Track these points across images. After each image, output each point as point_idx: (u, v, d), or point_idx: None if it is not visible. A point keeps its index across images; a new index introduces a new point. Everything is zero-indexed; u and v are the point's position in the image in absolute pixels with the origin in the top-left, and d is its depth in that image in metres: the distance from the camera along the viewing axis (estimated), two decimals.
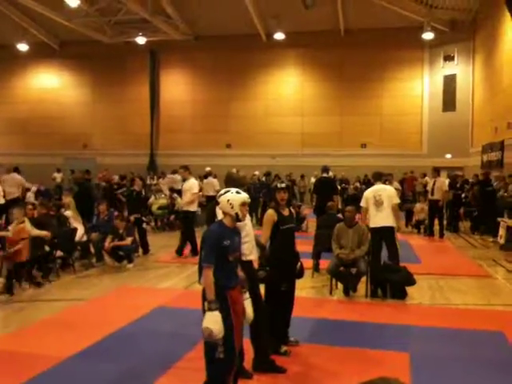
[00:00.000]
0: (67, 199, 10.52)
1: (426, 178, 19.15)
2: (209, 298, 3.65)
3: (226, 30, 24.37)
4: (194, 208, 10.51)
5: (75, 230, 9.38)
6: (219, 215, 4.16)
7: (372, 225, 8.03)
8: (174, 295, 7.61)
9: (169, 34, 24.60)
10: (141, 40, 24.66)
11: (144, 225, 11.18)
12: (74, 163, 24.17)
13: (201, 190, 14.16)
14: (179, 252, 10.46)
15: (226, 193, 3.99)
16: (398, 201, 8.30)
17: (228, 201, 3.91)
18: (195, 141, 25.63)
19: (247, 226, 4.56)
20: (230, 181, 4.78)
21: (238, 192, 3.99)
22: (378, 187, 8.26)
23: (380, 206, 7.97)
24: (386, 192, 8.14)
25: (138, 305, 6.92)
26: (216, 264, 3.72)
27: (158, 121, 26.92)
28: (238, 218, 3.92)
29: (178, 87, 26.87)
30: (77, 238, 9.40)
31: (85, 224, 10.00)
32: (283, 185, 5.24)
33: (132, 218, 10.52)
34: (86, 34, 24.67)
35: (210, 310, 3.61)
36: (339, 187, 16.21)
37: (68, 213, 9.89)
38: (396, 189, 10.63)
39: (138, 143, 26.11)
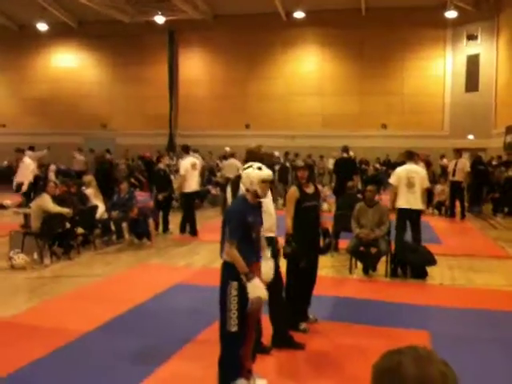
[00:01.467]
0: (88, 177, 10.61)
1: (445, 160, 18.91)
2: (243, 270, 3.63)
3: (245, 8, 24.12)
4: (188, 189, 10.34)
5: (96, 207, 9.46)
6: (242, 190, 4.08)
7: (401, 205, 7.98)
8: (193, 272, 7.66)
9: (187, 12, 24.42)
10: (160, 19, 24.54)
11: (173, 202, 11.29)
12: (94, 143, 24.30)
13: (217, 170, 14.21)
14: (182, 230, 10.56)
15: (248, 168, 3.88)
16: (428, 184, 8.31)
17: (248, 177, 3.80)
18: (214, 121, 25.57)
19: (265, 202, 4.53)
20: (251, 156, 4.73)
21: (259, 168, 3.83)
22: (412, 168, 8.19)
23: (412, 187, 7.92)
24: (419, 174, 8.10)
25: (157, 281, 6.98)
26: (240, 243, 3.69)
27: (176, 101, 26.90)
28: (257, 195, 3.80)
29: (196, 67, 26.77)
30: (97, 215, 9.48)
31: (105, 202, 10.07)
32: (302, 163, 5.35)
33: (161, 196, 10.55)
34: (105, 13, 24.61)
35: (249, 280, 3.59)
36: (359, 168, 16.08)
37: (89, 191, 9.97)
38: None
39: (157, 123, 26.15)
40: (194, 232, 10.49)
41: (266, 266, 3.94)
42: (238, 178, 4.08)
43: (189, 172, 10.32)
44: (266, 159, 4.91)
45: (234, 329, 3.67)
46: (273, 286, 4.11)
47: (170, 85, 26.56)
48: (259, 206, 3.94)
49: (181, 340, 4.85)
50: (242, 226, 3.69)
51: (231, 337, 3.70)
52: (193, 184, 10.40)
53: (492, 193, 14.91)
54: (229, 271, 3.72)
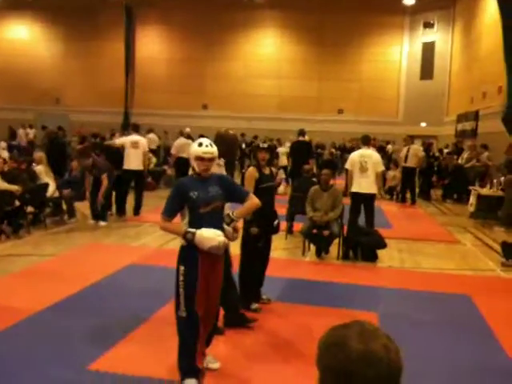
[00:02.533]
0: (39, 154, 10.30)
1: (389, 145, 19.32)
2: (180, 233, 3.57)
3: None
4: (125, 166, 10.18)
5: (46, 185, 9.22)
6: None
7: (354, 189, 8.16)
8: (147, 253, 7.60)
9: None
10: None
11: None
12: (47, 119, 23.56)
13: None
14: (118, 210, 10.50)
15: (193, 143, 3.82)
16: (382, 168, 8.48)
17: (189, 152, 3.76)
18: (171, 100, 25.23)
19: None
20: (219, 140, 4.70)
21: (200, 144, 3.67)
22: (365, 152, 8.35)
23: (365, 172, 8.10)
24: (372, 159, 8.26)
25: (110, 261, 6.90)
26: (188, 218, 3.62)
27: (133, 79, 26.37)
28: (194, 171, 3.70)
29: (154, 44, 26.28)
30: (48, 193, 9.23)
31: (57, 180, 9.83)
32: (265, 145, 5.37)
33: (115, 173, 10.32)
34: None
35: (193, 236, 3.47)
36: (315, 152, 16.24)
37: (39, 168, 9.69)
38: None
39: (113, 101, 25.57)
40: (120, 210, 10.34)
41: (213, 232, 3.56)
42: None
43: (128, 149, 10.14)
44: (236, 143, 4.94)
45: (183, 314, 3.61)
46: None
47: (127, 62, 25.99)
48: (213, 180, 3.70)
49: (134, 320, 4.83)
50: (176, 203, 3.62)
51: (181, 322, 3.63)
52: (131, 162, 10.12)
53: (441, 179, 15.37)
54: (178, 255, 3.66)
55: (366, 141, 8.58)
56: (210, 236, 3.49)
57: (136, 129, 10.90)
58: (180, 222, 3.71)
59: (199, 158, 3.63)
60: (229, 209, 4.03)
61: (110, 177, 9.49)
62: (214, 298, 3.79)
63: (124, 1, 24.66)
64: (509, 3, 12.01)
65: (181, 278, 3.59)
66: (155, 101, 25.26)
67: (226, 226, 3.70)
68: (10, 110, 25.54)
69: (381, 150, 17.28)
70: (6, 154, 12.60)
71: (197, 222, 3.56)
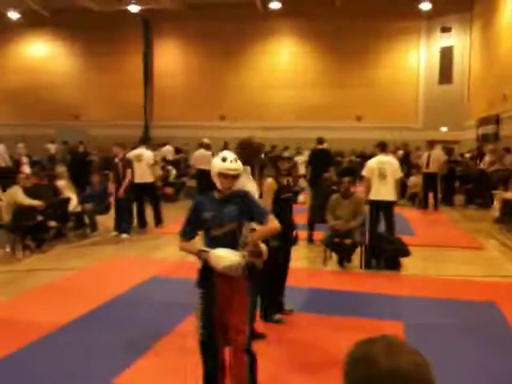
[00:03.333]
0: (60, 169, 10.44)
1: (399, 151, 18.98)
2: (195, 252, 3.41)
3: None
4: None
5: (68, 199, 9.33)
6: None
7: (373, 197, 8.06)
8: (170, 265, 7.61)
9: (162, 2, 24.14)
10: (134, 8, 24.19)
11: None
12: (67, 134, 23.93)
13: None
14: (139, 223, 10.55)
15: (215, 157, 3.50)
16: (401, 175, 8.39)
17: (211, 167, 3.45)
18: (189, 112, 25.36)
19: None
20: (242, 147, 4.60)
21: (223, 159, 3.38)
22: (383, 159, 8.25)
23: (384, 179, 8.00)
24: (391, 165, 8.16)
25: (133, 274, 6.93)
26: (203, 238, 3.45)
27: (151, 91, 26.61)
28: (216, 188, 3.42)
29: (171, 57, 26.50)
30: (70, 208, 9.36)
31: (78, 194, 9.94)
32: (287, 154, 5.37)
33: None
34: (79, 2, 24.15)
35: (207, 255, 3.28)
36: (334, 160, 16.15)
37: (61, 183, 9.81)
38: None
39: (132, 114, 25.82)
40: (140, 224, 10.44)
41: (229, 252, 3.31)
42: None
43: (134, 163, 10.08)
44: (261, 150, 4.77)
45: (200, 338, 3.43)
46: None
47: (145, 75, 26.24)
48: (231, 200, 3.42)
49: (158, 333, 4.83)
50: (192, 223, 3.45)
51: (201, 347, 3.44)
52: (136, 176, 10.02)
53: (464, 185, 15.16)
54: (197, 278, 3.50)
55: (383, 147, 8.50)
56: (224, 255, 3.25)
57: (144, 142, 11.03)
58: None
59: (222, 175, 3.34)
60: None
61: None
62: (238, 321, 3.43)
63: (141, 14, 24.94)
64: None
65: (198, 301, 3.44)
66: (173, 113, 25.45)
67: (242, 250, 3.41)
68: (31, 126, 25.96)
69: (406, 156, 17.09)
70: (28, 170, 12.79)
71: (210, 245, 3.36)
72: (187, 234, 3.48)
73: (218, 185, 3.39)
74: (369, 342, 1.19)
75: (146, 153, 10.64)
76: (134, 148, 11.68)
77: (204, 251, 3.33)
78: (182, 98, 25.69)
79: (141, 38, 25.98)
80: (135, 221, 10.49)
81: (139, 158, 10.25)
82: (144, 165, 10.25)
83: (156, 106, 26.53)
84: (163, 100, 26.06)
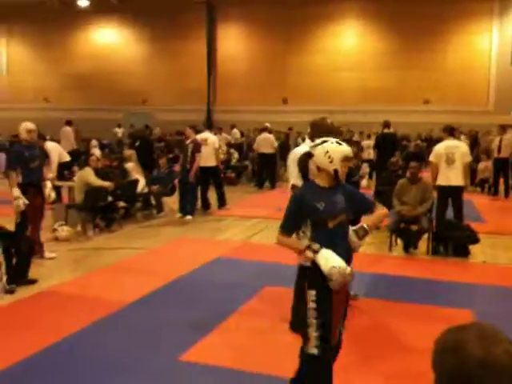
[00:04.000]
0: (129, 152, 10.75)
1: (462, 136, 18.15)
2: (302, 247, 3.03)
3: None
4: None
5: (136, 181, 9.60)
6: (313, 171, 3.28)
7: (442, 182, 7.80)
8: (233, 246, 7.71)
9: None
10: None
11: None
12: (134, 118, 24.59)
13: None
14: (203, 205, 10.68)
15: (323, 143, 3.16)
16: (470, 159, 8.08)
17: (327, 153, 3.07)
18: (251, 96, 25.40)
19: None
20: (317, 130, 4.38)
21: (338, 143, 3.15)
22: (451, 143, 7.97)
23: (452, 163, 7.72)
24: (460, 149, 7.86)
25: (198, 255, 7.06)
26: (310, 233, 3.09)
27: (214, 76, 26.83)
28: (336, 176, 3.09)
29: (234, 42, 26.57)
30: (138, 189, 9.63)
31: (146, 176, 10.21)
32: (356, 138, 5.26)
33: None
34: None
35: (316, 252, 2.96)
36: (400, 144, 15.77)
37: (130, 165, 10.11)
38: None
39: (196, 99, 26.16)
40: (204, 205, 10.58)
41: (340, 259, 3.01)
42: (307, 155, 3.28)
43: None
44: (335, 132, 4.58)
45: (312, 351, 3.01)
46: None
47: (208, 60, 26.48)
48: (338, 189, 3.15)
49: (224, 312, 4.91)
50: (297, 216, 3.10)
51: (311, 362, 3.04)
52: (204, 159, 10.06)
53: None
54: (304, 277, 3.13)
55: (450, 132, 8.19)
56: (335, 257, 2.94)
57: (208, 126, 11.11)
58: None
59: (347, 159, 3.12)
60: None
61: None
62: (340, 335, 3.24)
63: (206, 0, 25.10)
64: None
65: (312, 305, 3.01)
66: (236, 97, 25.57)
67: (356, 239, 3.21)
68: (101, 111, 26.83)
69: (474, 140, 16.43)
70: (98, 152, 13.24)
71: (322, 239, 3.03)
72: (291, 228, 3.12)
73: (340, 171, 3.07)
74: (460, 329, 1.15)
75: (211, 137, 10.79)
76: (198, 132, 11.86)
77: (312, 247, 2.99)
78: (244, 83, 25.75)
79: (205, 23, 26.18)
80: (199, 203, 10.67)
81: (205, 141, 10.39)
82: (210, 148, 10.38)
83: (219, 91, 26.74)
84: (226, 84, 26.22)
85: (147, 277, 6.07)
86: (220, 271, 6.40)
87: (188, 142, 9.83)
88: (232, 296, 5.39)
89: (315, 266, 2.98)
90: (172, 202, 10.32)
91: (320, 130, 4.37)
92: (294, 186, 4.21)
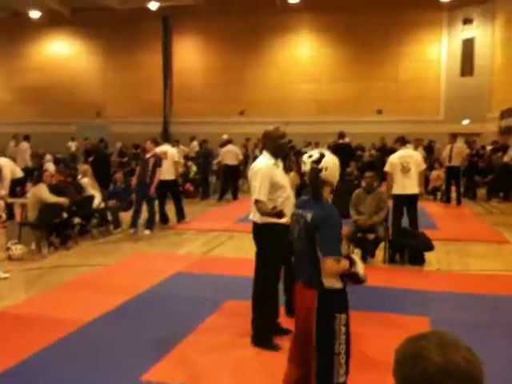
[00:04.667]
0: (84, 167, 10.56)
1: (407, 145, 18.64)
2: (346, 268, 2.92)
3: None
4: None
5: (92, 197, 9.44)
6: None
7: (397, 191, 8.01)
8: (193, 261, 7.66)
9: None
10: (153, 5, 24.30)
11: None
12: (88, 132, 24.17)
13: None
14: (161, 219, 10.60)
15: (321, 156, 3.07)
16: (424, 167, 8.34)
17: (334, 165, 3.08)
18: (208, 108, 25.44)
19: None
20: (271, 138, 4.44)
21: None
22: (405, 153, 8.21)
23: (407, 172, 7.95)
24: (414, 158, 8.13)
25: (157, 270, 6.98)
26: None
27: (171, 88, 26.72)
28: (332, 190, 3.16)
29: (190, 54, 26.57)
30: (94, 205, 9.46)
31: (102, 191, 10.05)
32: (307, 150, 5.34)
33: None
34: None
35: (354, 262, 2.98)
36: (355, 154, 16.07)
37: (85, 180, 9.93)
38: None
39: (152, 111, 25.99)
40: (162, 220, 10.50)
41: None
42: (317, 170, 3.05)
43: None
44: (287, 142, 4.66)
45: (343, 379, 2.90)
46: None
47: (164, 72, 26.36)
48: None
49: (185, 328, 4.86)
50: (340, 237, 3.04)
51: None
52: (163, 172, 10.00)
53: (485, 178, 14.96)
54: (332, 301, 2.92)
55: (403, 142, 8.47)
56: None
57: (165, 139, 11.07)
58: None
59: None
60: None
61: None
62: None
63: (161, 11, 25.02)
64: None
65: (343, 329, 2.90)
66: (193, 109, 25.52)
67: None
68: (53, 124, 26.27)
69: (429, 149, 16.89)
70: (52, 168, 12.95)
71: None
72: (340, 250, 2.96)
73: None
74: (420, 338, 1.18)
75: (170, 149, 10.73)
76: (157, 144, 11.82)
77: (353, 258, 2.97)
78: (201, 94, 25.75)
79: (160, 35, 26.10)
80: (157, 217, 10.57)
81: (165, 154, 10.33)
82: (169, 162, 10.32)
83: (175, 103, 26.64)
84: (183, 96, 26.15)
85: (105, 294, 5.96)
86: (180, 286, 6.35)
87: (149, 155, 9.71)
88: (193, 311, 5.35)
89: (345, 287, 2.94)
90: (129, 217, 10.17)
91: (273, 139, 4.41)
92: (257, 201, 4.21)
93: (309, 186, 3.09)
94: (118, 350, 4.45)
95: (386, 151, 19.07)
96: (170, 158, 10.39)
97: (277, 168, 4.36)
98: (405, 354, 1.16)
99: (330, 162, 3.07)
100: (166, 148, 10.64)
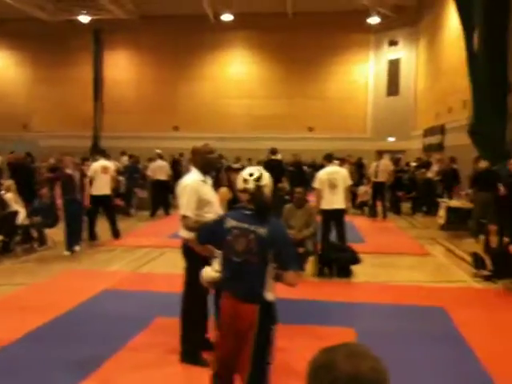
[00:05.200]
0: (8, 182, 10.14)
1: (335, 161, 19.27)
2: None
3: (173, 9, 23.94)
4: (95, 192, 10.07)
5: (16, 212, 9.07)
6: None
7: (325, 206, 8.23)
8: (122, 278, 7.51)
9: (113, 12, 23.89)
10: (84, 19, 23.86)
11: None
12: (15, 146, 23.19)
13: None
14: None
15: (261, 174, 3.28)
16: (350, 182, 8.62)
17: (270, 182, 3.36)
18: (141, 123, 25.16)
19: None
20: (200, 154, 4.49)
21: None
22: (332, 169, 8.48)
23: (335, 188, 8.19)
24: (340, 174, 8.40)
25: (83, 288, 6.79)
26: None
27: (101, 102, 26.24)
28: None
29: (123, 68, 26.25)
30: (18, 221, 9.09)
31: (26, 207, 9.67)
32: (238, 165, 5.39)
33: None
34: (27, 11, 23.59)
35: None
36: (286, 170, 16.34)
37: (8, 195, 9.53)
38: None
39: (82, 125, 25.38)
40: (91, 236, 10.28)
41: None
42: (261, 187, 3.25)
43: (98, 175, 10.12)
44: (215, 160, 4.68)
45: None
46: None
47: (95, 85, 25.88)
48: None
49: (111, 347, 4.75)
50: None
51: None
52: (100, 187, 10.04)
53: (409, 193, 15.63)
54: (270, 313, 3.11)
55: (330, 158, 8.76)
56: None
57: (103, 153, 10.93)
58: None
59: None
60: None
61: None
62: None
63: (92, 25, 24.60)
64: (465, 10, 12.40)
65: (273, 340, 3.14)
66: (125, 124, 25.16)
67: None
68: None
69: (359, 165, 17.41)
70: None
71: None
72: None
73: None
74: (331, 350, 1.23)
75: (108, 164, 10.58)
76: (84, 159, 11.60)
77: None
78: (133, 109, 25.45)
79: (91, 49, 25.63)
80: (85, 234, 10.29)
81: (105, 169, 10.15)
82: (108, 177, 10.16)
83: (107, 117, 26.15)
84: (114, 111, 25.73)
85: (29, 314, 5.73)
86: (108, 304, 6.20)
87: (69, 170, 9.36)
88: (121, 330, 5.23)
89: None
90: (55, 233, 9.82)
91: (201, 155, 4.44)
92: (184, 217, 4.21)
93: (254, 203, 3.14)
94: (39, 371, 4.29)
95: (316, 167, 19.57)
96: (110, 173, 10.27)
97: (205, 184, 4.38)
98: (316, 365, 1.21)
99: (268, 179, 3.24)
100: (105, 162, 10.49)
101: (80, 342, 4.93)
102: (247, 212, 3.14)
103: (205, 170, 4.45)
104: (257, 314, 2.98)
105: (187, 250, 4.41)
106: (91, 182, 10.08)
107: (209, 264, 3.69)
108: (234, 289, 3.09)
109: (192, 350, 4.41)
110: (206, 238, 3.43)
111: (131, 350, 4.73)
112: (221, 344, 3.16)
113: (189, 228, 4.18)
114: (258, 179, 3.19)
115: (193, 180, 4.35)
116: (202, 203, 4.27)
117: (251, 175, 3.22)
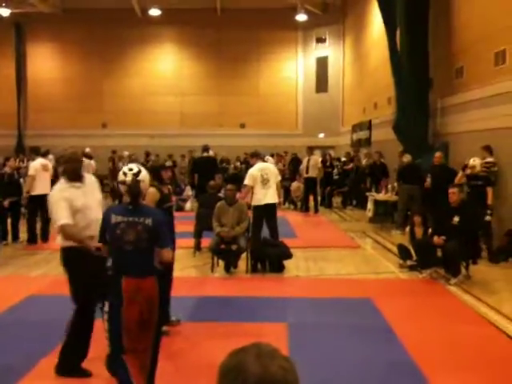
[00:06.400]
0: None
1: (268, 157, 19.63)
2: None
3: (98, 2, 23.27)
4: (35, 192, 9.66)
5: None
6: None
7: (257, 202, 8.30)
8: (47, 283, 7.22)
9: (36, 5, 22.91)
10: (4, 12, 22.72)
11: (22, 209, 10.42)
12: None
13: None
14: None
15: (141, 170, 3.81)
16: (280, 178, 8.82)
17: (147, 179, 3.95)
18: (68, 120, 24.28)
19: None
20: (64, 160, 4.39)
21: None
22: (264, 166, 8.67)
23: (267, 183, 8.30)
24: (271, 170, 8.56)
25: (7, 294, 6.49)
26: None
27: (25, 99, 25.12)
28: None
29: (47, 63, 25.21)
30: None
31: None
32: (170, 163, 5.39)
33: (6, 202, 9.72)
34: None
35: None
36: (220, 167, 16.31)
37: None
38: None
39: (5, 123, 24.16)
40: (31, 239, 9.87)
41: None
42: (138, 182, 3.68)
43: (39, 173, 9.70)
44: (76, 159, 4.49)
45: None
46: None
47: (18, 82, 24.72)
48: None
49: (37, 354, 4.57)
50: None
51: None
52: (42, 186, 9.58)
53: (338, 188, 16.04)
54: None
55: (258, 156, 8.94)
56: None
57: (36, 151, 10.41)
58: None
59: None
60: None
61: None
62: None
63: (13, 18, 23.47)
64: (388, 11, 12.83)
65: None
66: (51, 121, 24.19)
67: None
68: None
69: (296, 161, 17.49)
70: None
71: None
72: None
73: None
74: (240, 351, 1.23)
75: (48, 163, 10.17)
76: (7, 158, 11.17)
77: None
78: (59, 105, 24.52)
79: (12, 43, 24.46)
80: (9, 237, 9.85)
81: (46, 168, 9.72)
82: (48, 174, 9.74)
83: (31, 114, 25.07)
84: (39, 108, 24.70)
85: None
86: (33, 310, 5.95)
87: (8, 169, 9.00)
88: (47, 336, 5.03)
89: None
90: None
91: (67, 164, 4.31)
92: (63, 226, 4.07)
93: (130, 193, 3.57)
94: None
95: (249, 164, 19.65)
96: (50, 171, 9.92)
97: (76, 190, 4.23)
98: (226, 366, 1.20)
99: (146, 175, 3.78)
100: (45, 161, 10.07)
101: (5, 350, 4.71)
102: (129, 207, 3.57)
103: (70, 177, 4.30)
104: (155, 283, 3.58)
105: (64, 259, 4.28)
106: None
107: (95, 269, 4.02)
108: (129, 271, 3.53)
109: (69, 362, 4.23)
110: (104, 237, 3.67)
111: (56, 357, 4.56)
112: (126, 319, 3.50)
113: (69, 236, 4.09)
114: (137, 174, 3.66)
115: (57, 189, 4.23)
116: (72, 210, 4.12)
117: (131, 170, 3.70)
